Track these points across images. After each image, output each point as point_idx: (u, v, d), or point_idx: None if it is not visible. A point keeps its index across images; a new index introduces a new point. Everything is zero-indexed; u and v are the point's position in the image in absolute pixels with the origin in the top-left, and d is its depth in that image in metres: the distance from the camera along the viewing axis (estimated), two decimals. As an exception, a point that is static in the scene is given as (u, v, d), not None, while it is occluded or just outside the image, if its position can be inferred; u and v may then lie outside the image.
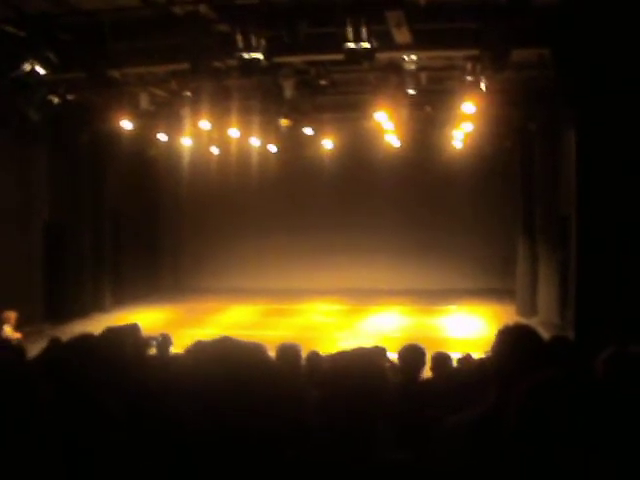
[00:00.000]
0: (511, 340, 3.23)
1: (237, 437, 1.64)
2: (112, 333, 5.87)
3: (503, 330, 3.30)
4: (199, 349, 1.84)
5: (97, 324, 12.83)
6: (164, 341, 6.98)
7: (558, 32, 11.35)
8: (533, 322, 16.58)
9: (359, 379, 2.62)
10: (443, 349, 9.15)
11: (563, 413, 1.72)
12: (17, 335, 12.59)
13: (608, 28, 10.71)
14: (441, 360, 8.12)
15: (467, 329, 18.19)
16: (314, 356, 7.71)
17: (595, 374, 4.21)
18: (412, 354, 6.75)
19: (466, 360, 9.69)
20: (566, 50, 11.47)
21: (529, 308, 19.90)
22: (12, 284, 17.47)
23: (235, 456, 1.64)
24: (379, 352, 8.17)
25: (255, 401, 1.67)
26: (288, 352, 6.48)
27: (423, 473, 2.72)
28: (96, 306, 21.52)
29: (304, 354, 7.42)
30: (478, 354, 9.59)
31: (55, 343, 6.72)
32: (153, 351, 6.86)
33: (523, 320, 15.87)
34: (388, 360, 8.09)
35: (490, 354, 3.40)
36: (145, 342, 6.16)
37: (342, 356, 2.78)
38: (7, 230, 17.91)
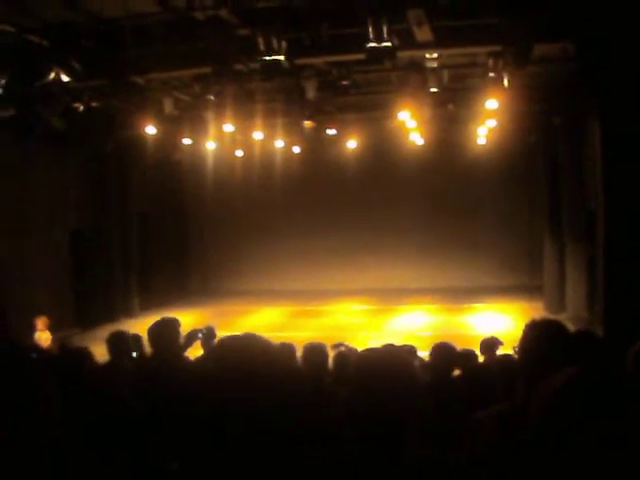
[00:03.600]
0: (539, 335, 3.22)
1: (248, 434, 1.65)
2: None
3: (530, 325, 3.29)
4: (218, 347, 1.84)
5: (126, 329, 12.91)
6: (208, 333, 7.05)
7: (581, 25, 11.26)
8: (562, 318, 16.45)
9: (387, 375, 2.62)
10: (472, 347, 9.15)
11: (590, 413, 1.70)
12: (48, 340, 12.74)
13: (632, 19, 10.61)
14: (467, 357, 8.13)
15: (495, 326, 18.06)
16: (342, 355, 7.73)
17: (625, 369, 4.19)
18: (443, 352, 6.76)
19: (488, 342, 9.65)
20: (590, 43, 11.37)
21: (557, 304, 19.77)
22: (42, 290, 17.68)
23: (243, 450, 1.65)
24: (409, 350, 8.18)
25: (266, 396, 1.68)
26: (314, 351, 6.50)
27: (452, 469, 2.73)
28: (125, 311, 21.70)
29: (331, 353, 7.44)
30: (507, 351, 9.55)
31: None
32: (198, 344, 6.95)
33: (551, 316, 15.77)
34: (418, 358, 8.10)
35: (518, 349, 3.39)
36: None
37: (371, 352, 2.79)
38: (36, 237, 18.10)
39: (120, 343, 7.16)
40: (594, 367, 1.87)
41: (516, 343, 3.54)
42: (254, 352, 1.76)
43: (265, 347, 1.80)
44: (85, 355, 6.47)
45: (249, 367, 1.70)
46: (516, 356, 4.12)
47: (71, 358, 5.30)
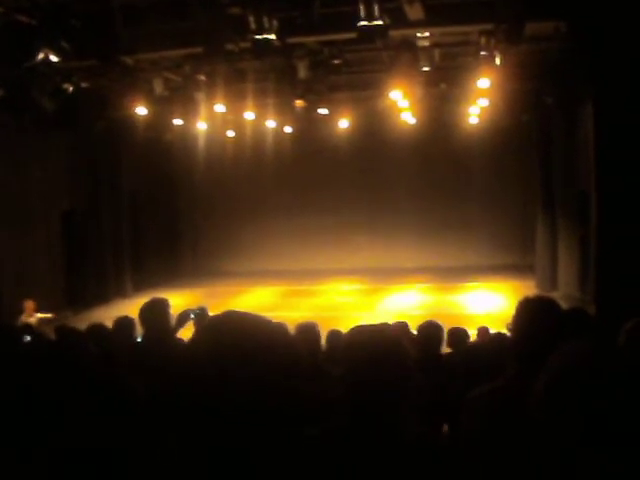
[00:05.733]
0: (531, 312, 3.22)
1: (247, 414, 1.63)
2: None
3: (523, 302, 3.29)
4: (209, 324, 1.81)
5: (119, 310, 12.93)
6: (201, 314, 7.00)
7: (574, 3, 11.21)
8: (554, 297, 16.49)
9: (378, 352, 2.62)
10: (464, 326, 9.15)
11: (596, 393, 1.68)
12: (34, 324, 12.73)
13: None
14: (458, 335, 8.13)
15: (488, 305, 18.15)
16: (334, 334, 7.73)
17: (617, 346, 4.21)
18: (430, 330, 6.78)
19: (483, 331, 9.68)
20: (583, 22, 11.33)
21: (549, 283, 19.83)
22: (34, 272, 17.64)
23: (249, 433, 1.64)
24: (401, 326, 8.18)
25: (265, 376, 1.66)
26: (306, 330, 6.50)
27: (445, 447, 2.73)
28: (117, 292, 21.67)
29: (324, 333, 7.43)
30: (499, 329, 9.57)
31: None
32: (190, 325, 6.93)
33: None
34: (411, 334, 8.08)
35: (511, 326, 3.39)
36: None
37: (361, 329, 2.78)
38: (27, 219, 18.04)
39: (125, 327, 7.14)
40: (598, 346, 1.85)
41: (508, 321, 3.54)
42: (249, 330, 1.74)
43: (261, 325, 1.77)
44: (105, 332, 6.44)
45: (245, 345, 1.68)
46: (509, 334, 4.13)
47: (68, 340, 5.29)
